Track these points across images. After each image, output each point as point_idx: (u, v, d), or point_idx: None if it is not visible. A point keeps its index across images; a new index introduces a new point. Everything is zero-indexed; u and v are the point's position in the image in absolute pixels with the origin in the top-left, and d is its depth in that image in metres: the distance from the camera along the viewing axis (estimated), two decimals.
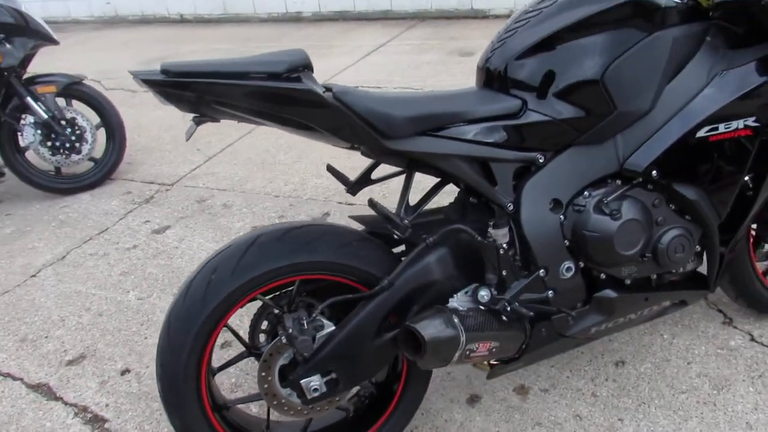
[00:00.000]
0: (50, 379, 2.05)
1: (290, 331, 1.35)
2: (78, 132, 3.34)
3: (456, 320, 1.33)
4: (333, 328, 1.40)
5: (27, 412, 1.92)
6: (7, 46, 3.06)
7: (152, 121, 4.43)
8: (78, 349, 2.18)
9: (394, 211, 1.42)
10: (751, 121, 1.46)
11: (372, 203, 1.41)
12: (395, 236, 1.42)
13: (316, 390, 1.37)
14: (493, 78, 1.46)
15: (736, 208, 1.58)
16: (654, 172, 1.42)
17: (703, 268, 1.65)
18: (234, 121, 1.32)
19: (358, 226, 1.54)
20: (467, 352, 1.34)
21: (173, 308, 1.36)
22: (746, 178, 1.56)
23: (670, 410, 1.69)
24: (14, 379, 2.07)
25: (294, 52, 1.27)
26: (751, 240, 1.81)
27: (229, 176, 3.46)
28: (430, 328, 1.29)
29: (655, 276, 1.57)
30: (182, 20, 8.08)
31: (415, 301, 1.39)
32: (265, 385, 1.42)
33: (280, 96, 1.20)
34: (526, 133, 1.41)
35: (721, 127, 1.43)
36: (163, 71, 1.19)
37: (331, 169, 1.55)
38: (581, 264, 1.50)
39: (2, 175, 3.32)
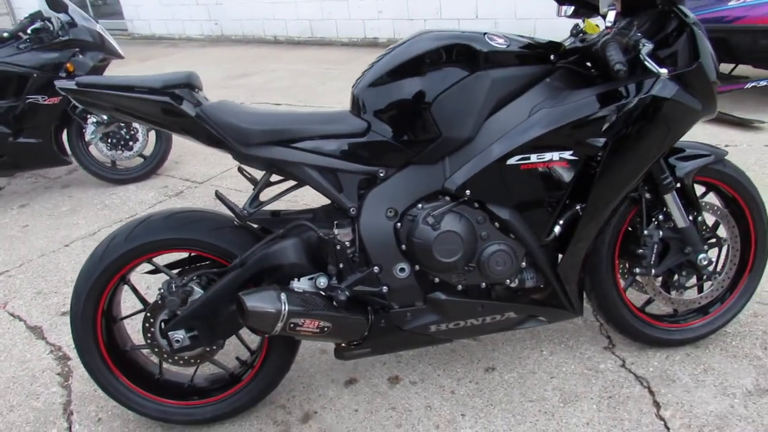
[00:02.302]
0: (44, 323, 2.56)
1: (162, 291, 1.72)
2: (132, 132, 3.96)
3: (283, 296, 1.61)
4: (202, 293, 1.74)
5: (18, 345, 2.42)
6: (80, 57, 3.72)
7: None
8: None
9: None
10: (567, 155, 1.63)
11: (218, 195, 1.74)
12: (235, 222, 1.74)
13: (178, 341, 1.71)
14: (353, 103, 1.75)
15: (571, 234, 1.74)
16: (468, 192, 1.64)
17: None
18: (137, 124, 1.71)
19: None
20: (291, 325, 1.62)
21: (83, 265, 1.76)
22: (578, 207, 1.71)
23: (510, 413, 1.85)
24: (20, 320, 2.60)
25: (179, 74, 1.65)
26: (617, 268, 1.92)
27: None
28: (255, 300, 1.59)
29: (484, 285, 1.76)
30: (275, 41, 8.87)
31: (262, 279, 1.70)
32: (149, 335, 1.78)
33: (148, 105, 1.58)
34: (369, 151, 1.68)
35: (533, 157, 1.62)
36: (77, 83, 1.61)
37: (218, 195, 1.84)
38: (417, 267, 1.73)
39: (70, 163, 4.00)
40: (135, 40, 10.56)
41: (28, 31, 3.61)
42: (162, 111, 1.59)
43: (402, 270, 1.72)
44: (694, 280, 1.99)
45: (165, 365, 1.91)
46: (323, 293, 1.70)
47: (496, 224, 1.70)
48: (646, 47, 1.59)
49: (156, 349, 1.79)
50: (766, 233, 1.97)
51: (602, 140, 1.63)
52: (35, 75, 3.62)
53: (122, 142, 3.95)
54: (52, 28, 3.69)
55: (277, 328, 1.61)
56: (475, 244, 1.69)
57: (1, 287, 2.89)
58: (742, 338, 2.06)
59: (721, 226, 1.98)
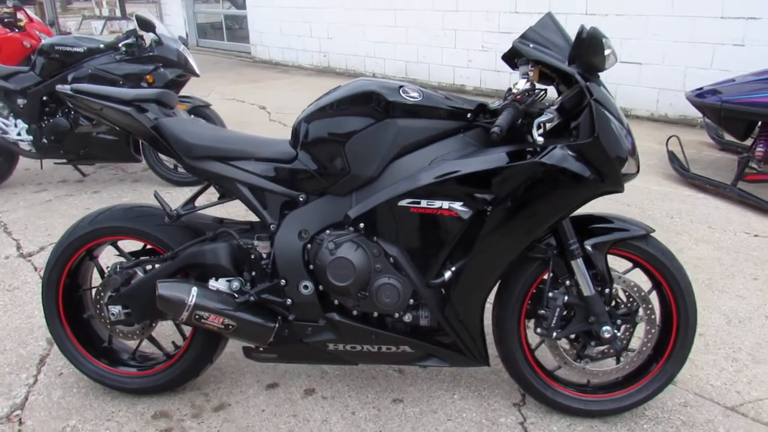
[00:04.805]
0: None
1: (109, 270, 2.02)
2: None
3: (194, 290, 1.85)
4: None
5: (33, 302, 2.85)
6: (161, 71, 4.27)
7: None
8: None
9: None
10: (457, 205, 1.74)
11: (156, 195, 2.01)
12: (166, 221, 1.99)
13: (113, 315, 2.00)
14: (292, 133, 1.97)
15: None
16: (361, 225, 1.79)
17: None
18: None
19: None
20: (196, 316, 1.85)
21: (57, 240, 2.11)
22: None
23: None
24: None
25: (151, 90, 1.97)
26: (523, 325, 1.96)
27: None
28: (166, 288, 1.84)
29: (377, 315, 1.89)
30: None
31: (188, 273, 1.96)
32: (98, 306, 2.09)
33: (115, 113, 1.90)
34: (292, 177, 1.90)
35: (423, 203, 1.74)
36: (71, 89, 1.98)
37: (156, 195, 2.13)
38: (320, 287, 1.90)
39: (139, 161, 4.55)
40: (255, 63, 11.54)
41: (121, 45, 4.22)
42: (125, 119, 1.91)
43: (306, 287, 1.89)
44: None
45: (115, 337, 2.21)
46: (235, 295, 1.92)
47: (390, 259, 1.83)
48: (546, 116, 1.69)
49: (102, 320, 2.09)
50: (689, 323, 1.93)
51: (492, 197, 1.73)
52: (120, 82, 4.20)
53: None
54: (144, 45, 4.29)
55: (183, 316, 1.85)
56: (369, 274, 1.84)
57: (47, 255, 3.38)
58: (656, 423, 2.00)
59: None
